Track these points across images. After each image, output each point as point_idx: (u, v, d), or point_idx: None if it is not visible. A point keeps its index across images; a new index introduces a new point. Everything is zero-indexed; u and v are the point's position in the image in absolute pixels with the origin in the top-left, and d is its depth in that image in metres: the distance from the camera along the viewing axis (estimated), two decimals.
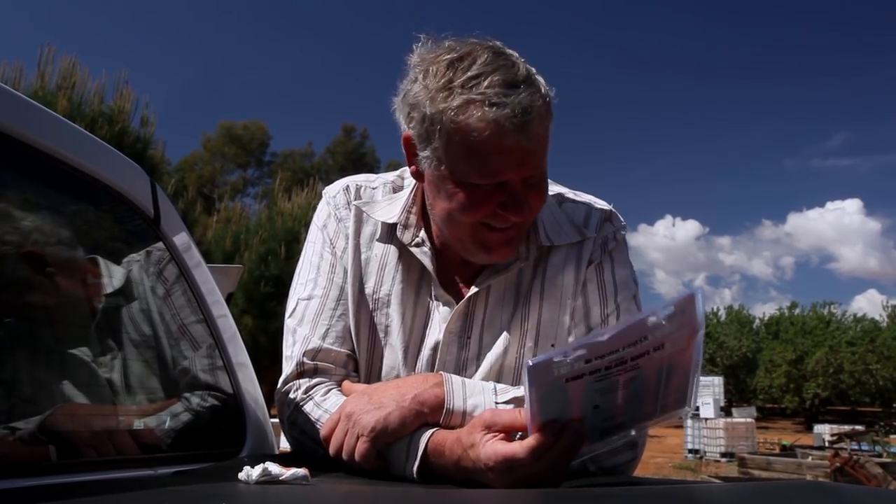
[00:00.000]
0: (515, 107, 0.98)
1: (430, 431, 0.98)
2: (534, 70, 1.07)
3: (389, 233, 1.20)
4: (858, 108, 74.18)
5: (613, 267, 1.19)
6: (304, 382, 1.14)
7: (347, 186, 1.25)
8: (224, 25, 65.80)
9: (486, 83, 1.00)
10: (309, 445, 1.11)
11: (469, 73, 1.01)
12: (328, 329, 1.16)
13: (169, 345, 1.17)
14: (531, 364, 0.81)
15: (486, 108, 0.98)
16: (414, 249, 1.17)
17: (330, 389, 1.12)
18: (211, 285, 1.25)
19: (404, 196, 1.21)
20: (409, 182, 1.22)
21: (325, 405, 1.09)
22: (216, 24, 65.72)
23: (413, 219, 1.19)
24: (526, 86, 1.01)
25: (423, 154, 1.07)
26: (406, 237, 1.18)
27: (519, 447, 0.86)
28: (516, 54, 1.07)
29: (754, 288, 78.14)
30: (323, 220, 1.24)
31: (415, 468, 0.95)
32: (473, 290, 1.14)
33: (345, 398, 1.08)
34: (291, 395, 1.14)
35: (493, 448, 0.89)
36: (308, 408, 1.11)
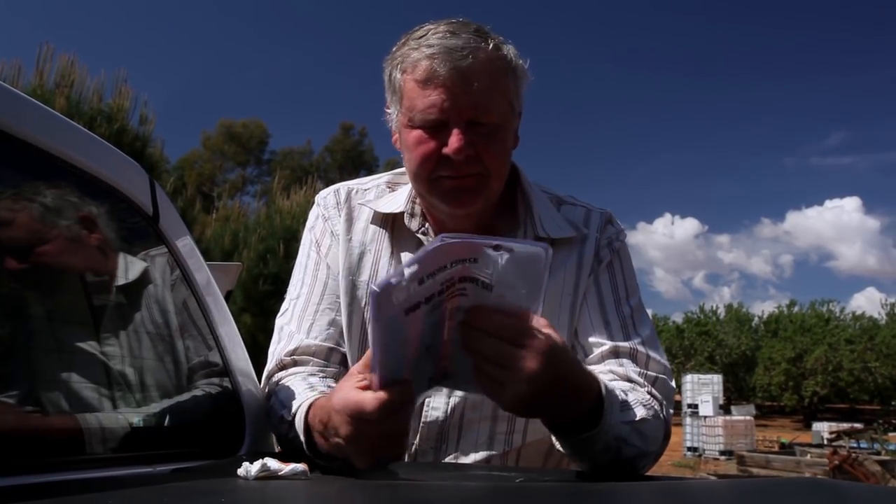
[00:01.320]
0: (450, 47, 1.03)
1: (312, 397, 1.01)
2: (503, 39, 1.10)
3: (383, 226, 1.22)
4: (857, 106, 74.09)
5: (623, 268, 1.21)
6: (281, 375, 1.17)
7: (338, 189, 1.29)
8: (223, 25, 65.73)
9: (430, 33, 1.07)
10: (275, 434, 1.15)
11: (421, 31, 1.08)
12: (312, 324, 1.20)
13: (167, 342, 1.17)
14: (376, 290, 0.70)
15: (424, 49, 1.05)
16: (421, 237, 1.20)
17: (293, 380, 1.14)
18: (210, 283, 1.25)
19: (408, 187, 1.23)
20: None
21: (280, 395, 1.12)
22: (216, 24, 65.65)
23: (418, 208, 1.21)
24: (470, 34, 1.06)
25: (390, 113, 1.14)
26: (413, 225, 1.21)
27: (370, 398, 0.80)
28: (500, 38, 1.10)
29: (753, 286, 78.09)
30: (312, 222, 1.28)
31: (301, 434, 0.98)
32: None
33: (299, 386, 1.11)
34: (267, 389, 1.18)
35: (346, 394, 0.83)
36: (272, 398, 1.14)
